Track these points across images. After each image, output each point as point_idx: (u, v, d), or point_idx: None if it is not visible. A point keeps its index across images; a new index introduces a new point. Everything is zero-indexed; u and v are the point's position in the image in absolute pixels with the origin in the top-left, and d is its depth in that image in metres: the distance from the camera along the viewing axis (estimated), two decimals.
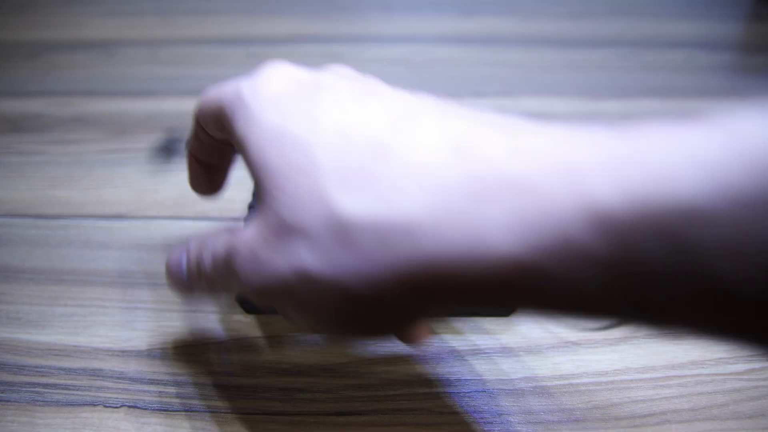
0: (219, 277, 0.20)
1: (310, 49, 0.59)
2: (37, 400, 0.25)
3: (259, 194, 0.18)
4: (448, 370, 0.26)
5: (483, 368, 0.26)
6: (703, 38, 0.63)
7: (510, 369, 0.26)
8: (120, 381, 0.26)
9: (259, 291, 0.18)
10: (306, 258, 0.16)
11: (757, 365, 0.26)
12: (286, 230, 0.16)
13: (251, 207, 0.30)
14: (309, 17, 0.69)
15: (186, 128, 0.45)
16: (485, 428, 0.24)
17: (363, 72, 0.21)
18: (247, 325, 0.28)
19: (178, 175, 0.40)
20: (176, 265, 0.21)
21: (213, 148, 0.24)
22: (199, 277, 0.21)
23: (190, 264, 0.21)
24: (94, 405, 0.25)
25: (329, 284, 0.16)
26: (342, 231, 0.15)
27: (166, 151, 0.27)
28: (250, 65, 0.56)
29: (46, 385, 0.26)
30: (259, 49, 0.59)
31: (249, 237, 0.18)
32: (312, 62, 0.60)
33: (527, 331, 0.28)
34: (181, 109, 0.48)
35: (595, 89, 0.51)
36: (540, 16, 0.70)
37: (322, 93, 0.18)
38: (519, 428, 0.24)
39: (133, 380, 0.26)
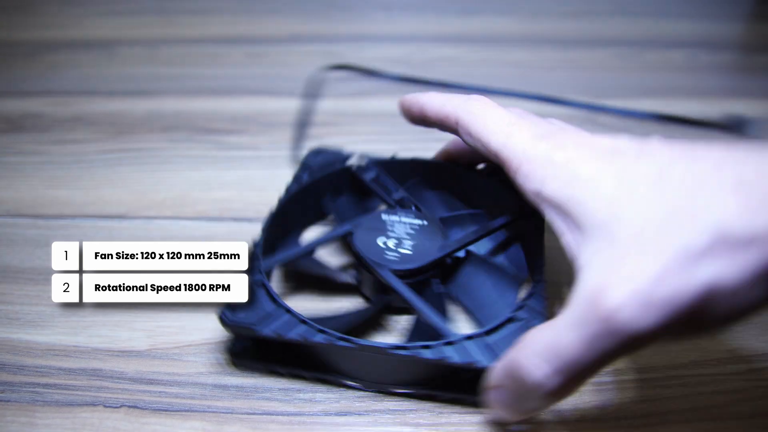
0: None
1: (310, 48, 0.59)
2: (37, 400, 0.25)
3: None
4: None
5: None
6: (703, 38, 0.63)
7: None
8: (120, 381, 0.26)
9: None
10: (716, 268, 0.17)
11: (757, 365, 0.26)
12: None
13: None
14: (309, 17, 0.69)
15: (186, 128, 0.45)
16: (485, 429, 0.24)
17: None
18: None
19: (178, 175, 0.40)
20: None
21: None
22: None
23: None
24: (94, 405, 0.25)
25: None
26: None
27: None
28: (249, 65, 0.56)
29: (45, 385, 0.26)
30: (258, 49, 0.59)
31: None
32: (312, 62, 0.59)
33: None
34: (181, 109, 0.48)
35: (595, 89, 0.51)
36: (540, 16, 0.70)
37: None
38: (519, 428, 0.24)
39: (133, 380, 0.26)
